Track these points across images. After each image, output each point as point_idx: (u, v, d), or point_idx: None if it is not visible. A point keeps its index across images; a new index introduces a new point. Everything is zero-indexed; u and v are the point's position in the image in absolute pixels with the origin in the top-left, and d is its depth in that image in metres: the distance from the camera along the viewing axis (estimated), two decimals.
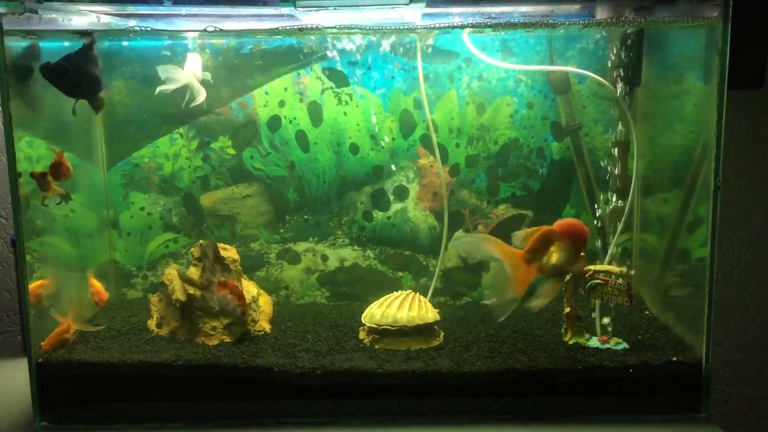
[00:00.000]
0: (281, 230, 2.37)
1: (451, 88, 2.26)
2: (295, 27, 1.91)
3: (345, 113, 2.29)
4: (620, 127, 2.17)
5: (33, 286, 1.85)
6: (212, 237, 2.33)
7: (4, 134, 1.78)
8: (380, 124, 2.29)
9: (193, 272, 2.07)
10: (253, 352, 1.91)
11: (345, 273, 2.38)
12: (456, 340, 2.00)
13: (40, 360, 1.85)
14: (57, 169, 1.88)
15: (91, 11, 1.89)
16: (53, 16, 1.88)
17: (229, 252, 2.07)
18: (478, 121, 2.29)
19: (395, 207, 2.35)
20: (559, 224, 1.84)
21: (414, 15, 1.90)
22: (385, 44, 2.21)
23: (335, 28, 1.95)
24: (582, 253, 1.83)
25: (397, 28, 2.02)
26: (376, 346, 1.97)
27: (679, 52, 2.02)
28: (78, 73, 1.85)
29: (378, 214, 2.36)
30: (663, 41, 2.08)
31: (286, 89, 2.28)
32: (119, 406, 1.86)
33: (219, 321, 2.00)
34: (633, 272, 2.29)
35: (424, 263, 2.38)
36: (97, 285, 2.14)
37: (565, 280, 1.96)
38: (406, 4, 1.72)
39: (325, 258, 2.38)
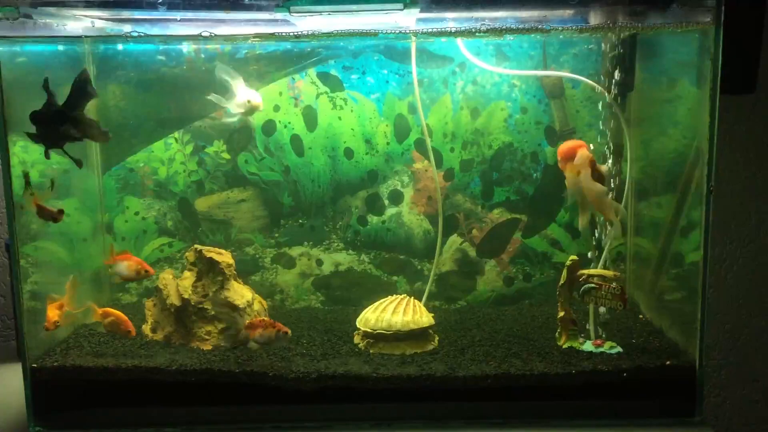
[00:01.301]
0: (276, 234, 2.37)
1: (445, 92, 2.27)
2: (290, 32, 1.91)
3: (340, 118, 2.29)
4: (613, 131, 2.17)
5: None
6: (213, 246, 2.32)
7: None
8: (375, 129, 2.30)
9: (188, 276, 2.07)
10: (248, 357, 1.91)
11: (340, 277, 2.39)
12: (451, 345, 2.00)
13: (34, 365, 1.85)
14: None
15: (85, 16, 1.89)
16: (48, 21, 1.88)
17: (224, 256, 2.07)
18: (473, 125, 2.30)
19: (390, 211, 2.36)
20: (577, 145, 1.91)
21: (408, 20, 1.91)
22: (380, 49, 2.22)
23: (329, 32, 1.95)
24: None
25: (392, 32, 2.02)
26: (371, 351, 1.97)
27: (672, 57, 2.03)
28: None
29: (373, 219, 2.36)
30: (656, 46, 2.09)
31: (280, 94, 2.28)
32: (114, 411, 1.86)
33: (214, 326, 2.00)
34: (626, 276, 2.30)
35: (419, 267, 2.38)
36: (119, 314, 2.05)
37: (559, 284, 1.97)
38: (401, 10, 1.73)
39: (319, 262, 2.38)
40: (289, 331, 1.87)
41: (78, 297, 2.11)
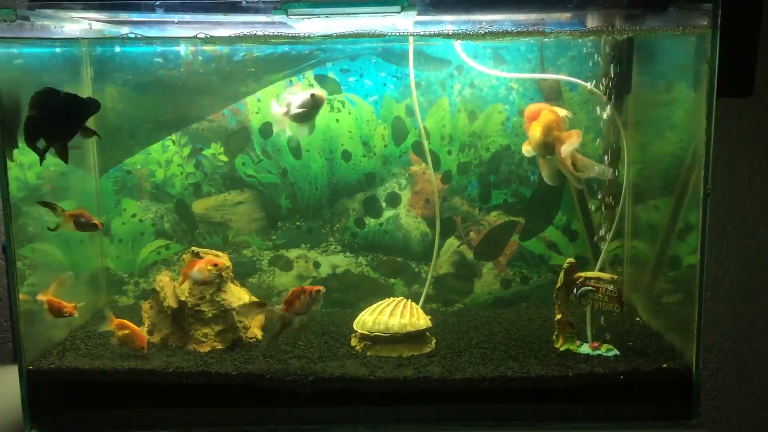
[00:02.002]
0: (273, 237, 2.37)
1: (442, 95, 2.27)
2: (287, 34, 1.92)
3: (337, 120, 2.29)
4: (610, 134, 2.18)
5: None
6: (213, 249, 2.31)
7: None
8: (372, 131, 2.30)
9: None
10: (245, 359, 1.91)
11: (337, 280, 2.38)
12: (448, 347, 2.00)
13: (30, 367, 1.85)
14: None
15: (83, 18, 1.89)
16: (45, 23, 1.88)
17: (221, 259, 2.07)
18: (470, 128, 2.30)
19: (387, 214, 2.36)
20: (544, 107, 1.99)
21: (406, 23, 1.91)
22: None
23: (327, 35, 1.95)
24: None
25: (389, 35, 2.02)
26: (368, 353, 1.97)
27: (669, 60, 2.03)
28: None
29: (370, 221, 2.36)
30: (653, 50, 2.09)
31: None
32: (110, 413, 1.86)
33: (211, 328, 2.00)
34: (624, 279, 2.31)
35: (416, 270, 2.38)
36: (135, 328, 1.98)
37: (556, 287, 1.97)
38: (398, 12, 1.73)
39: (317, 265, 2.38)
40: (322, 288, 1.87)
41: (77, 299, 2.11)
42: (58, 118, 1.79)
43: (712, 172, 1.76)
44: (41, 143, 1.81)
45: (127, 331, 1.93)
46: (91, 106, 1.82)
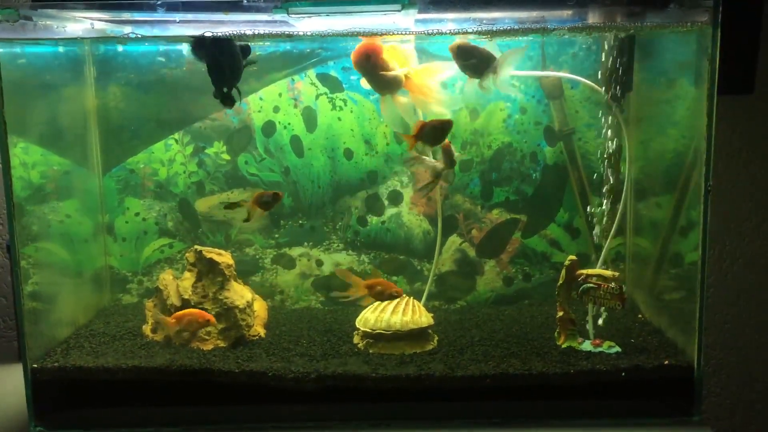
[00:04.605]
0: (276, 235, 2.38)
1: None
2: (288, 33, 1.92)
3: (339, 119, 2.30)
4: (612, 132, 2.18)
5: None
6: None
7: None
8: (374, 129, 2.31)
9: (188, 277, 2.08)
10: (248, 357, 1.92)
11: (339, 278, 2.39)
12: (450, 345, 2.01)
13: (35, 365, 1.86)
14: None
15: (85, 18, 1.90)
16: (48, 23, 1.88)
17: (224, 257, 2.08)
18: (472, 125, 2.30)
19: (389, 212, 2.36)
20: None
21: (407, 21, 1.91)
22: None
23: (327, 33, 1.96)
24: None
25: (390, 33, 2.03)
26: (370, 351, 1.97)
27: (670, 57, 2.03)
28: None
29: (372, 219, 2.37)
30: (654, 47, 2.09)
31: (280, 95, 2.29)
32: (114, 411, 1.86)
33: (213, 326, 2.00)
34: (625, 276, 2.31)
35: (419, 268, 2.38)
36: (191, 310, 2.01)
37: (558, 284, 1.97)
38: (399, 11, 1.73)
39: (319, 263, 2.39)
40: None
41: (79, 297, 2.12)
42: (230, 63, 1.87)
43: (714, 168, 1.77)
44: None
45: (189, 317, 1.96)
46: (247, 50, 1.90)
